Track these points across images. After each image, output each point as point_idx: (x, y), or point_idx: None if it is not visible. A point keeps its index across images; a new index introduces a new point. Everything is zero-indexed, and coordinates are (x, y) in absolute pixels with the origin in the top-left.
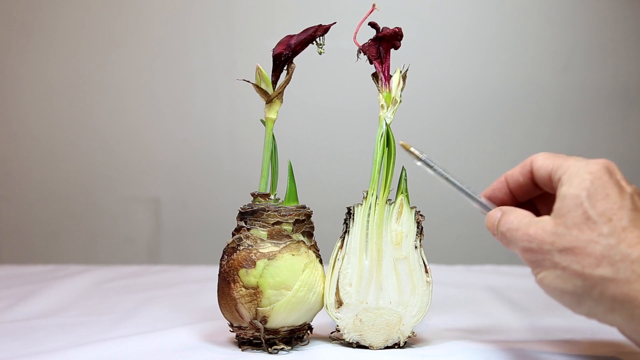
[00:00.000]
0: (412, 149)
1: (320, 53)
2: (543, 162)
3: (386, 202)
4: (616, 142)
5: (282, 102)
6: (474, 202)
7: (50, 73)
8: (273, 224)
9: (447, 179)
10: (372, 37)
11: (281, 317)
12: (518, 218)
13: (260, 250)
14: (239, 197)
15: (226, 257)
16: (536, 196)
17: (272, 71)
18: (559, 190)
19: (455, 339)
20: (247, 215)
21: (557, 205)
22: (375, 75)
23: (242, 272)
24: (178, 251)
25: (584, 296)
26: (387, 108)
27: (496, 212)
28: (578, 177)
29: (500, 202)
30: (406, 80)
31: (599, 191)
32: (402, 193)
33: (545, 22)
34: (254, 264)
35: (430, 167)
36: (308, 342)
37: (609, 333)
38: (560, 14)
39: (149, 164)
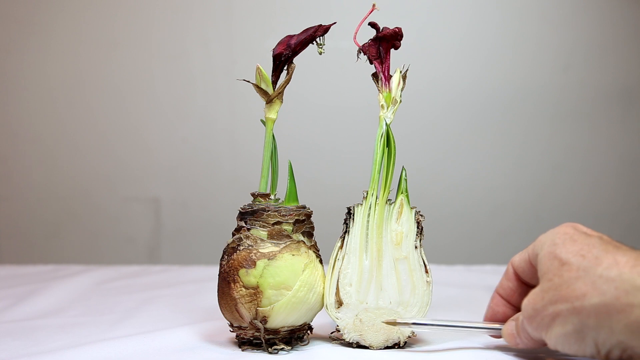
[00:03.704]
0: (399, 320)
1: (320, 53)
2: (519, 257)
3: (386, 202)
4: (616, 142)
5: (282, 102)
6: (484, 332)
7: (50, 73)
8: (273, 224)
9: (447, 325)
10: (372, 37)
11: (281, 317)
12: None
13: (260, 250)
14: (239, 197)
15: (226, 257)
16: None
17: (272, 71)
18: (537, 262)
19: (455, 339)
20: (247, 215)
21: (538, 271)
22: (375, 75)
23: (242, 272)
24: (178, 251)
25: (583, 330)
26: (387, 108)
27: (509, 323)
28: (547, 240)
29: (503, 316)
30: (406, 80)
31: (566, 240)
32: (402, 193)
33: (545, 22)
34: (254, 264)
35: (426, 325)
36: (308, 342)
37: None
38: (560, 15)
39: (149, 164)
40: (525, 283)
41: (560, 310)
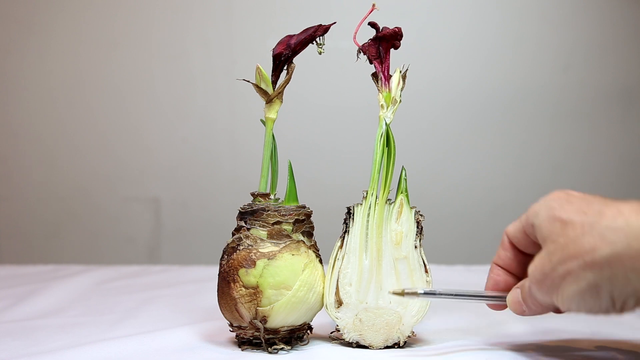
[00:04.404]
0: (406, 291)
1: (320, 53)
2: (513, 227)
3: (386, 202)
4: (616, 142)
5: (282, 102)
6: (487, 300)
7: (50, 73)
8: (273, 224)
9: (454, 295)
10: (372, 37)
11: (281, 317)
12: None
13: (260, 250)
14: (239, 197)
15: (226, 257)
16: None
17: (272, 71)
18: (535, 229)
19: (455, 339)
20: (247, 215)
21: (539, 237)
22: (375, 75)
23: (242, 271)
24: (178, 251)
25: (598, 284)
26: (387, 108)
27: (514, 291)
28: (542, 207)
29: (505, 285)
30: (406, 80)
31: (563, 202)
32: (402, 193)
33: (545, 22)
34: (253, 263)
35: (433, 294)
36: (308, 342)
37: (609, 334)
38: (560, 15)
39: (149, 164)
40: (521, 252)
41: (571, 268)
